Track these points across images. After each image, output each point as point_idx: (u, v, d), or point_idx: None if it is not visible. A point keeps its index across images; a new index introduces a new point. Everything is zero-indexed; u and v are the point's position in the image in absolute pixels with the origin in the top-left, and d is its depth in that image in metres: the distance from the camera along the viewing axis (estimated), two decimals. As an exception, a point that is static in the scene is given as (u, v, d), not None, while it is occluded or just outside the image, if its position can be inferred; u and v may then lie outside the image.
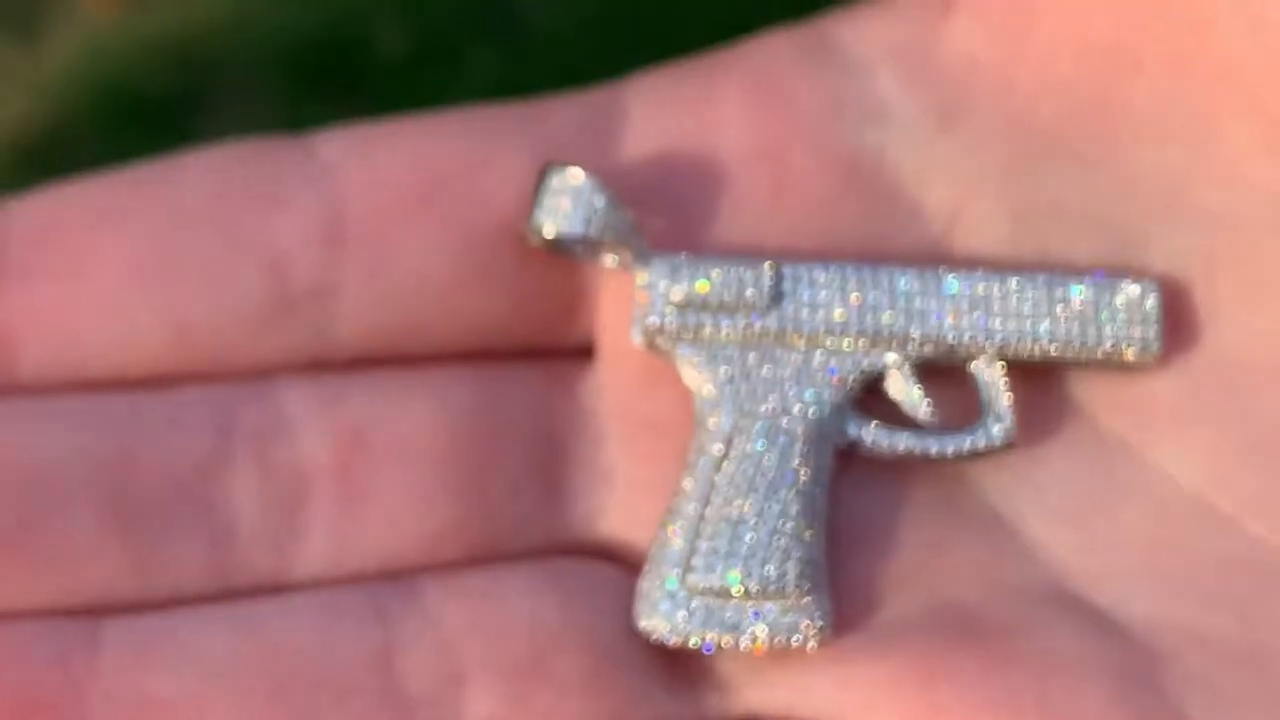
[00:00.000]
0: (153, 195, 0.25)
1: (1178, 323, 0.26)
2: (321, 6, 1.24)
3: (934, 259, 0.26)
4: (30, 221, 0.25)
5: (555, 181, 0.25)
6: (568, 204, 0.25)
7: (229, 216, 0.25)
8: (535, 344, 0.26)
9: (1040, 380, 0.27)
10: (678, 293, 0.25)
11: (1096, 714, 0.24)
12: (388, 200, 0.25)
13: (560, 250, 0.25)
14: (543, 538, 0.26)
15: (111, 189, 0.25)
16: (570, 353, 0.27)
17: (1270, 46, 0.25)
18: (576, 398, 0.26)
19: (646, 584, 0.24)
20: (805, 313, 0.26)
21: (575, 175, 0.25)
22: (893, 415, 0.26)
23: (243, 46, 1.22)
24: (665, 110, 0.27)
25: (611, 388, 0.26)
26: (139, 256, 0.25)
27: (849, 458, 0.26)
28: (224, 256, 0.25)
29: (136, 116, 1.13)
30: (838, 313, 0.26)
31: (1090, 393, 0.27)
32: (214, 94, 1.20)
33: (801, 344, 0.26)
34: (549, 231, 0.25)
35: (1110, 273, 0.26)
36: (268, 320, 0.25)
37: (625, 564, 0.26)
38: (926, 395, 0.26)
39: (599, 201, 0.25)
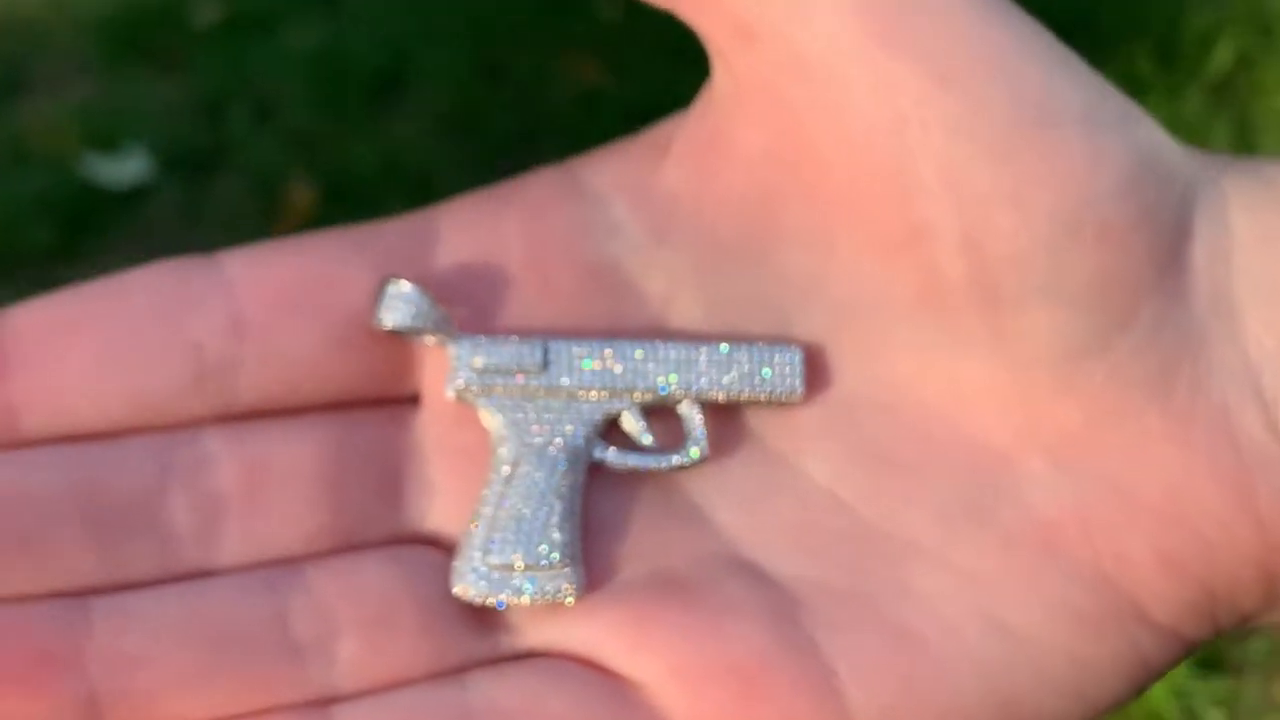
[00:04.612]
0: (109, 303, 0.32)
1: (818, 373, 0.34)
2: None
3: (654, 334, 0.34)
4: (27, 324, 0.31)
5: (391, 288, 0.33)
6: (400, 304, 0.33)
7: (162, 317, 0.32)
8: (379, 396, 0.34)
9: (726, 413, 0.34)
10: (478, 362, 0.33)
11: (754, 640, 0.32)
12: (274, 302, 0.33)
13: (395, 334, 0.33)
14: (387, 532, 0.33)
15: (79, 299, 0.32)
16: (404, 401, 0.34)
17: (871, 188, 0.32)
18: (410, 433, 0.33)
19: (458, 562, 0.33)
20: (564, 375, 0.34)
21: (404, 284, 0.33)
22: (627, 442, 0.34)
23: (60, 24, 1.24)
24: (466, 231, 0.34)
25: (433, 426, 0.34)
26: (101, 349, 0.31)
27: (597, 472, 0.34)
28: (159, 346, 0.32)
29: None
30: (588, 374, 0.34)
31: (760, 421, 0.34)
32: (35, 70, 1.22)
33: (563, 396, 0.34)
34: (388, 324, 0.33)
35: (770, 341, 0.34)
36: (191, 389, 0.32)
37: (444, 549, 0.33)
38: (649, 428, 0.34)
39: (421, 301, 0.33)
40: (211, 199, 1.58)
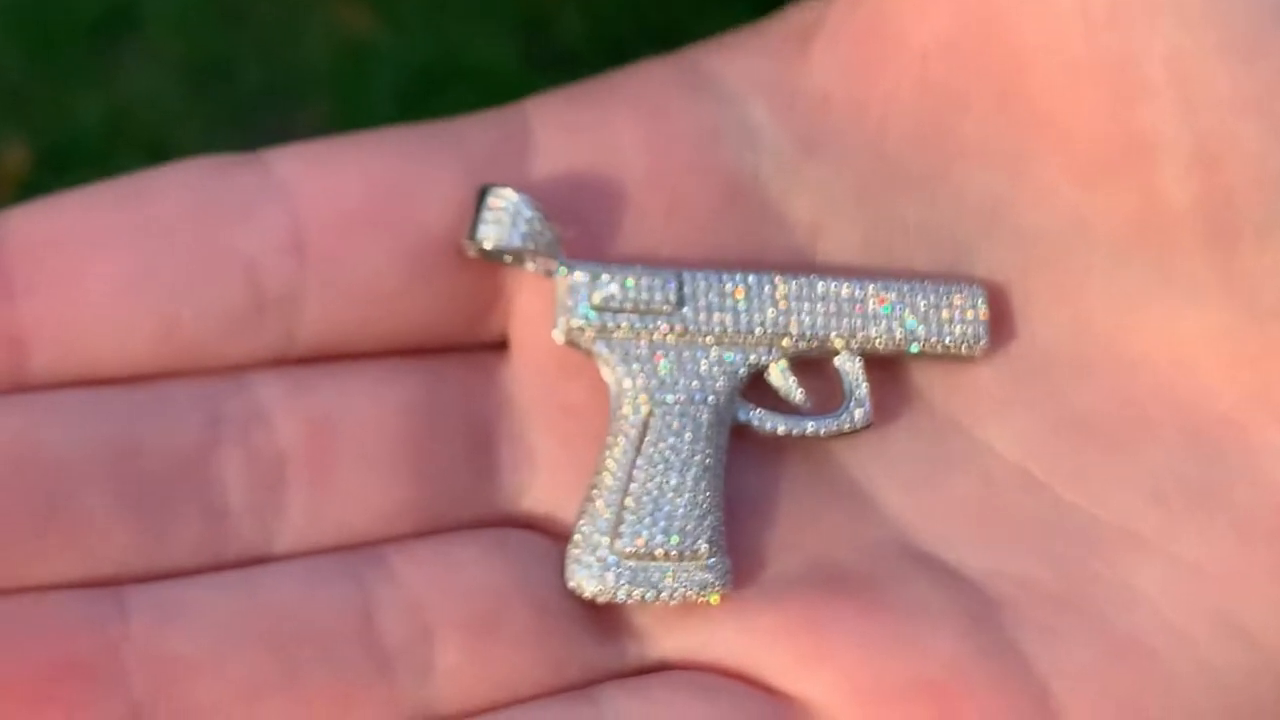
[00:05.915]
0: (134, 209, 0.27)
1: (997, 321, 0.30)
2: None
3: (799, 267, 0.29)
4: (29, 235, 0.26)
5: (493, 199, 0.27)
6: (506, 219, 0.27)
7: (204, 228, 0.27)
8: (459, 339, 0.29)
9: (886, 370, 0.30)
10: (598, 297, 0.28)
11: (950, 650, 0.27)
12: (342, 215, 0.27)
13: (492, 258, 0.28)
14: (476, 512, 0.28)
15: (97, 203, 0.27)
16: (486, 347, 0.29)
17: (1080, 90, 0.28)
18: (499, 387, 0.29)
19: (578, 549, 0.27)
20: (704, 315, 0.28)
21: (510, 194, 0.27)
22: (774, 401, 0.29)
23: None
24: (566, 134, 0.29)
25: (529, 378, 0.29)
26: (127, 267, 0.26)
27: (737, 438, 0.29)
28: (203, 265, 0.27)
29: None
30: (730, 315, 0.29)
31: (928, 381, 0.30)
32: None
33: (701, 342, 0.29)
34: (489, 244, 0.27)
35: (947, 280, 0.29)
36: (243, 322, 0.27)
37: (548, 533, 0.28)
38: (800, 385, 0.29)
39: (531, 216, 0.27)
40: (-97, 161, 1.45)
